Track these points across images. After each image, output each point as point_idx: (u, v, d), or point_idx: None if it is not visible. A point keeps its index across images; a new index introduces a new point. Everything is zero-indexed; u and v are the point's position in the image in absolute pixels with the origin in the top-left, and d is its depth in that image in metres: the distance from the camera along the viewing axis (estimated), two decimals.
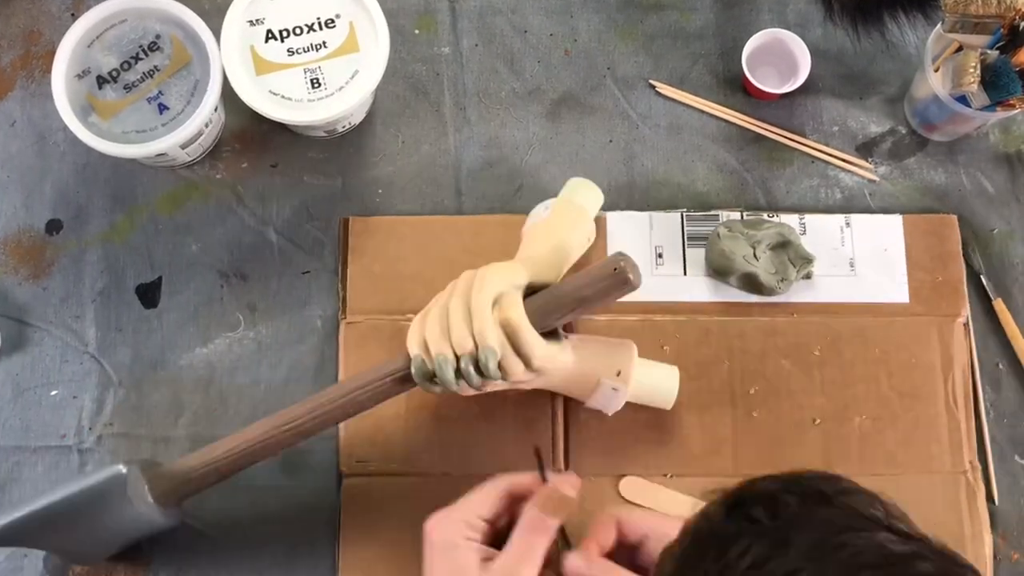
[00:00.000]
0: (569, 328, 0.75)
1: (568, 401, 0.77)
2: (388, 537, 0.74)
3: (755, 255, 0.78)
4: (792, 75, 0.83)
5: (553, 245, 0.73)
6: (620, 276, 0.64)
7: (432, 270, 0.80)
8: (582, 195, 0.77)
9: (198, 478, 0.70)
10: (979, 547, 0.75)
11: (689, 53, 0.86)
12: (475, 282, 0.66)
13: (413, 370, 0.66)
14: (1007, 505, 0.77)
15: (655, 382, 0.74)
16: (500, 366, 0.64)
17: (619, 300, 0.79)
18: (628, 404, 0.74)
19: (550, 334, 0.67)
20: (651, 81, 0.85)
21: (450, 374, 0.64)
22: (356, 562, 0.75)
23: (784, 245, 0.79)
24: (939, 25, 0.76)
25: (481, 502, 0.64)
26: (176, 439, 0.78)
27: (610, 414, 0.74)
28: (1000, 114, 0.76)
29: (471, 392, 0.67)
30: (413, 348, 0.66)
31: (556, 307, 0.66)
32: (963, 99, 0.76)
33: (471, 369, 0.64)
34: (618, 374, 0.71)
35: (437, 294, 0.68)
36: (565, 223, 0.75)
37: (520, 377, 0.66)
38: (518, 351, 0.65)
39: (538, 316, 0.65)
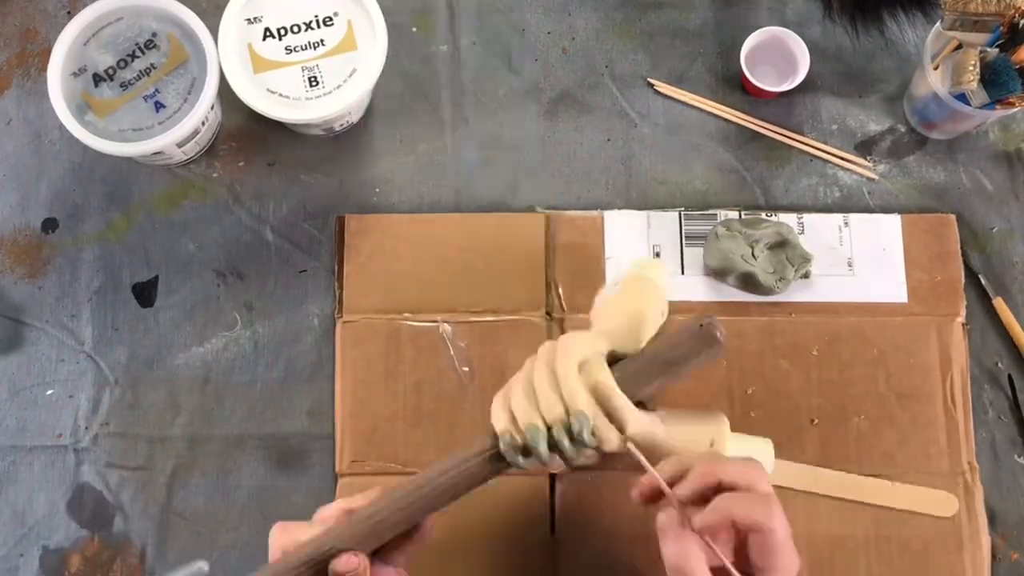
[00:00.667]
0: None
1: None
2: None
3: (753, 254, 0.78)
4: (791, 73, 0.83)
5: (629, 316, 0.69)
6: (707, 333, 0.60)
7: (429, 269, 0.80)
8: (651, 272, 0.74)
9: None
10: (976, 549, 0.76)
11: (688, 51, 0.86)
12: (558, 349, 0.63)
13: (502, 446, 0.61)
14: (1007, 505, 0.78)
15: (750, 455, 0.68)
16: (593, 434, 0.61)
17: None
18: None
19: (639, 406, 0.64)
20: (649, 79, 0.85)
21: (543, 445, 0.61)
22: None
23: (782, 244, 0.79)
24: (938, 23, 0.77)
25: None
26: (172, 439, 0.79)
27: None
28: (1000, 112, 0.76)
29: (561, 468, 0.63)
30: (500, 423, 0.62)
31: (642, 372, 0.63)
32: (962, 97, 0.76)
33: (564, 438, 0.61)
34: (711, 445, 0.67)
35: (516, 374, 0.65)
36: (638, 296, 0.71)
37: (614, 447, 0.62)
38: (610, 417, 0.62)
39: (625, 382, 0.62)
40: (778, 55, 0.84)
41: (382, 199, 0.83)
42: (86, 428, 0.79)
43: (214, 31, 0.76)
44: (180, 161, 0.82)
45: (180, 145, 0.77)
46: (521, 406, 0.62)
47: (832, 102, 0.85)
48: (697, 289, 0.81)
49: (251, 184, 0.83)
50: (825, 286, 0.80)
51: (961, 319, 0.80)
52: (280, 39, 0.77)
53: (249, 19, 0.77)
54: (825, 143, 0.84)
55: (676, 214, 0.82)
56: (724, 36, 0.86)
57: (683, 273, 0.81)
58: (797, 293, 0.80)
